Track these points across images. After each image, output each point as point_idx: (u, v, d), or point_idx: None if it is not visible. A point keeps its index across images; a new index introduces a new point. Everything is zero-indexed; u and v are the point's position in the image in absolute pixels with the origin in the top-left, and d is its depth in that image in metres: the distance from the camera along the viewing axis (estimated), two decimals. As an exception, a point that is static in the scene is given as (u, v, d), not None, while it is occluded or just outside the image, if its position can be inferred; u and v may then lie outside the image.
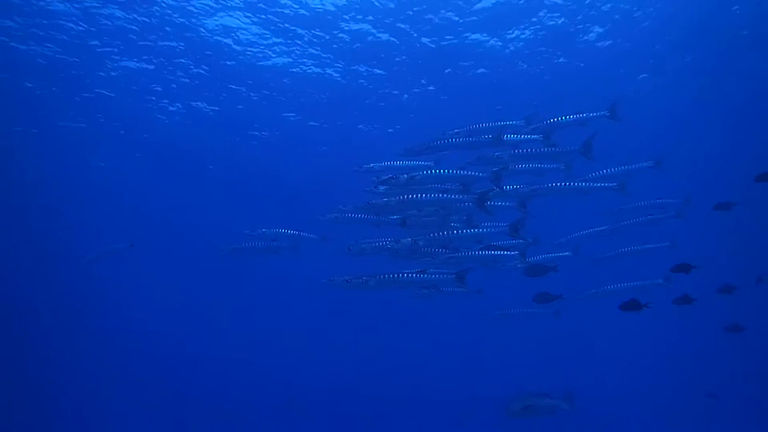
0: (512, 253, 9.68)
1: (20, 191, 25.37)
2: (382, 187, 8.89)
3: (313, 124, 22.22)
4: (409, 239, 9.00)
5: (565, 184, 9.68)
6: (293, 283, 27.99)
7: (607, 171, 10.32)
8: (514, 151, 9.16)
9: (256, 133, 23.02)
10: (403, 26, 16.33)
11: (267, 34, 16.54)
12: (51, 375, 26.10)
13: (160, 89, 19.15)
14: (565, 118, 9.29)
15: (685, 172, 20.23)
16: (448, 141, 9.18)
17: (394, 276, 8.78)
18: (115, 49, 16.70)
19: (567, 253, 13.77)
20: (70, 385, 25.35)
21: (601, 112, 9.38)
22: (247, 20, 15.83)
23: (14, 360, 24.52)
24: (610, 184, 9.94)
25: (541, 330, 25.23)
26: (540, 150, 9.21)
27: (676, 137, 22.15)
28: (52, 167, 24.10)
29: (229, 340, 32.24)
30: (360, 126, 22.36)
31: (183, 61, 17.62)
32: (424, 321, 30.81)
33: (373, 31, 16.48)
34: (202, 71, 18.29)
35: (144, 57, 17.27)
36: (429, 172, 8.66)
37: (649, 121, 21.06)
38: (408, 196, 8.72)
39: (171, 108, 20.47)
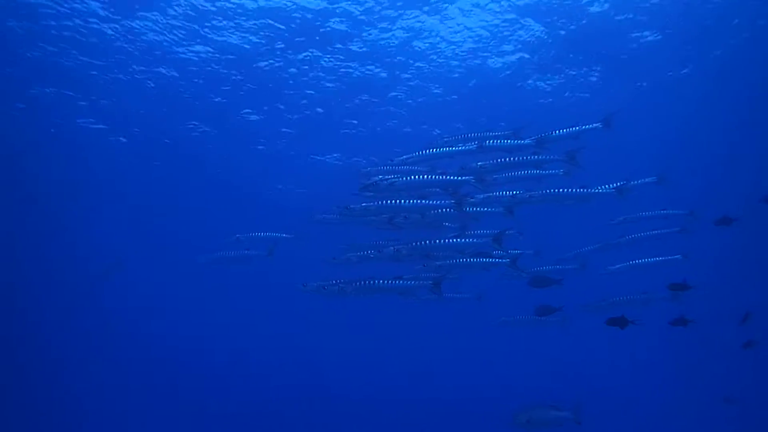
0: (503, 260, 9.81)
1: (25, 192, 25.41)
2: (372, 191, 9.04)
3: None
4: (392, 248, 9.22)
5: (562, 191, 9.69)
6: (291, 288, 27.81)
7: (608, 186, 10.32)
8: (497, 160, 9.32)
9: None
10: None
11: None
12: (50, 377, 26.57)
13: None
14: (559, 131, 9.41)
15: (690, 180, 19.97)
16: (434, 151, 9.42)
17: (371, 283, 8.94)
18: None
19: (574, 266, 13.82)
20: (69, 387, 25.82)
21: (595, 125, 9.45)
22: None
23: (14, 363, 24.82)
24: (608, 191, 9.88)
25: (549, 338, 24.94)
26: (523, 158, 9.34)
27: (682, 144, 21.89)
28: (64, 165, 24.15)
29: (229, 345, 32.74)
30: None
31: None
32: (431, 327, 30.74)
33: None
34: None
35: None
36: (410, 178, 8.77)
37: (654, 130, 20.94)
38: (387, 202, 8.83)
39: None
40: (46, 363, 27.37)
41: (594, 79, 18.64)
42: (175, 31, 16.01)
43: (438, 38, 16.54)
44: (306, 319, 32.89)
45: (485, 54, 17.19)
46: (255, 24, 15.80)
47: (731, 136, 21.88)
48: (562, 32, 16.20)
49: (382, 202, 8.81)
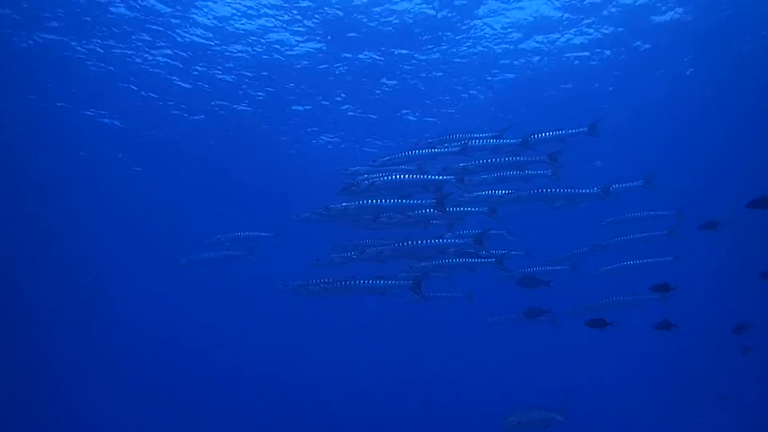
0: (489, 260, 9.83)
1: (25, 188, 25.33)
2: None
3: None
4: (375, 249, 9.24)
5: (548, 191, 9.75)
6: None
7: (595, 189, 10.30)
8: (480, 161, 9.33)
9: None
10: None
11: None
12: (49, 376, 26.26)
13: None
14: (545, 134, 9.43)
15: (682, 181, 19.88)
16: (416, 152, 9.45)
17: (351, 283, 8.93)
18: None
19: (564, 267, 13.82)
20: (68, 386, 25.88)
21: (581, 129, 9.45)
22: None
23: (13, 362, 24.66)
24: (593, 191, 9.93)
25: (540, 340, 24.81)
26: (505, 159, 9.36)
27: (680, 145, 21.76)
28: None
29: (226, 344, 32.83)
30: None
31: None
32: (421, 327, 30.73)
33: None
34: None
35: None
36: (390, 177, 8.72)
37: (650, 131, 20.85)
38: (367, 202, 8.81)
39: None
40: (44, 362, 27.49)
41: (618, 73, 18.61)
42: (173, 19, 15.96)
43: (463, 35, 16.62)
44: (293, 320, 32.91)
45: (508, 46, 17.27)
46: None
47: (733, 134, 21.73)
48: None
49: (362, 202, 8.80)
